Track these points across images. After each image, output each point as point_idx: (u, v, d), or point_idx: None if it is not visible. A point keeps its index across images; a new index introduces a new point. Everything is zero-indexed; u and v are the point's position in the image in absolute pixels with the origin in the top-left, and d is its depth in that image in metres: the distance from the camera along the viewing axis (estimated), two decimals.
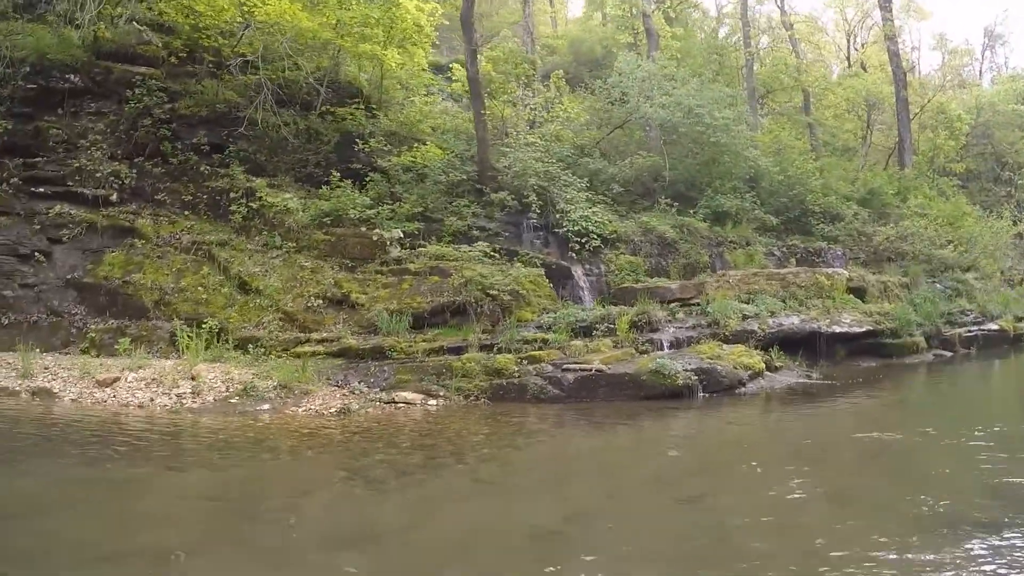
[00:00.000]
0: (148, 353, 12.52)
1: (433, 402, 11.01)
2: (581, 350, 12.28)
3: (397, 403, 10.82)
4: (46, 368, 11.76)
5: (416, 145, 16.48)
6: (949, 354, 17.88)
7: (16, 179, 13.88)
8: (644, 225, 17.47)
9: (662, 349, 13.13)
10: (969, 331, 19.19)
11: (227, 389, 11.12)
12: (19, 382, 11.03)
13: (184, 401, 10.76)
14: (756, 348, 13.97)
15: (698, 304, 15.41)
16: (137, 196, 14.80)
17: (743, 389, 12.30)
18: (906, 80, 27.01)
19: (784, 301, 16.22)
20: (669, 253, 17.47)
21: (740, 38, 25.86)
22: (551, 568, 4.93)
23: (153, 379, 11.39)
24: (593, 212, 16.85)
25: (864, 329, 16.31)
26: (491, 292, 13.40)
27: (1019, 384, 15.82)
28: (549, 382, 11.43)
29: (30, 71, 14.22)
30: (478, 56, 18.18)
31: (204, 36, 15.34)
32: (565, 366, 11.58)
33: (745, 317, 14.87)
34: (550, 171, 17.12)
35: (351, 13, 15.72)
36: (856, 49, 31.47)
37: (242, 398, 10.83)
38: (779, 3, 27.43)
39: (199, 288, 13.68)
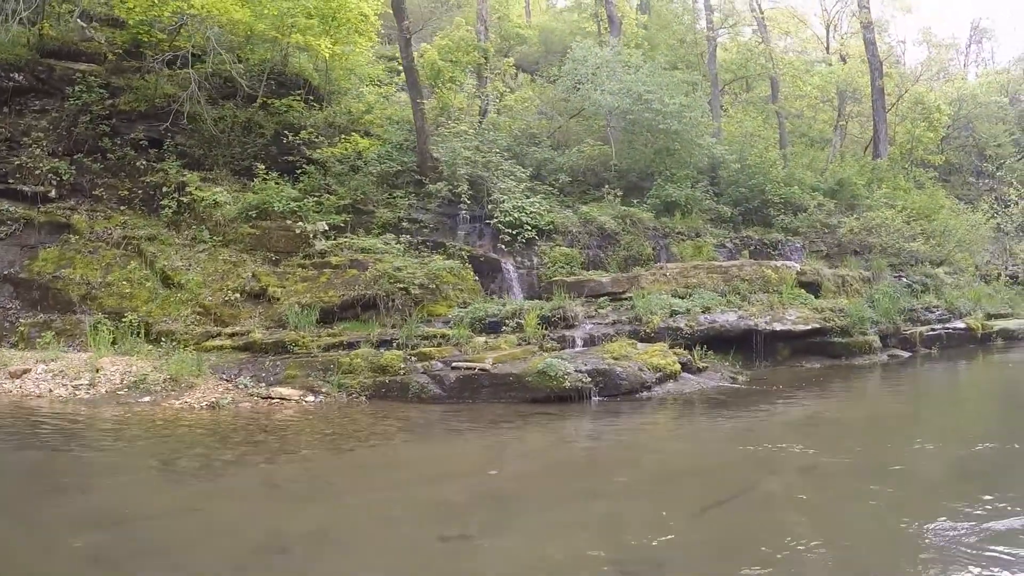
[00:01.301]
0: (68, 347, 13.10)
1: (311, 399, 11.24)
2: (479, 347, 12.13)
3: (273, 399, 11.10)
4: None
5: (344, 137, 16.58)
6: (907, 355, 17.16)
7: None
8: (584, 216, 17.31)
9: (573, 347, 12.85)
10: (932, 330, 18.49)
11: (121, 381, 11.61)
12: None
13: (78, 392, 11.28)
14: (682, 347, 13.60)
15: (629, 299, 15.15)
16: (76, 192, 15.37)
17: (647, 393, 11.62)
18: (882, 69, 26.13)
19: (724, 296, 15.76)
20: (609, 245, 17.22)
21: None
22: None
23: (60, 371, 11.91)
24: (530, 203, 16.80)
25: (810, 327, 15.62)
26: (403, 286, 13.61)
27: (975, 392, 14.24)
28: (433, 381, 11.35)
29: None
30: (421, 44, 18.24)
31: (144, 31, 15.70)
32: (454, 364, 11.46)
33: (674, 313, 14.44)
34: (485, 160, 17.12)
35: (287, 3, 15.89)
36: (835, 40, 30.57)
37: (130, 390, 11.30)
38: None
39: (124, 283, 14.19)
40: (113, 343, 12.74)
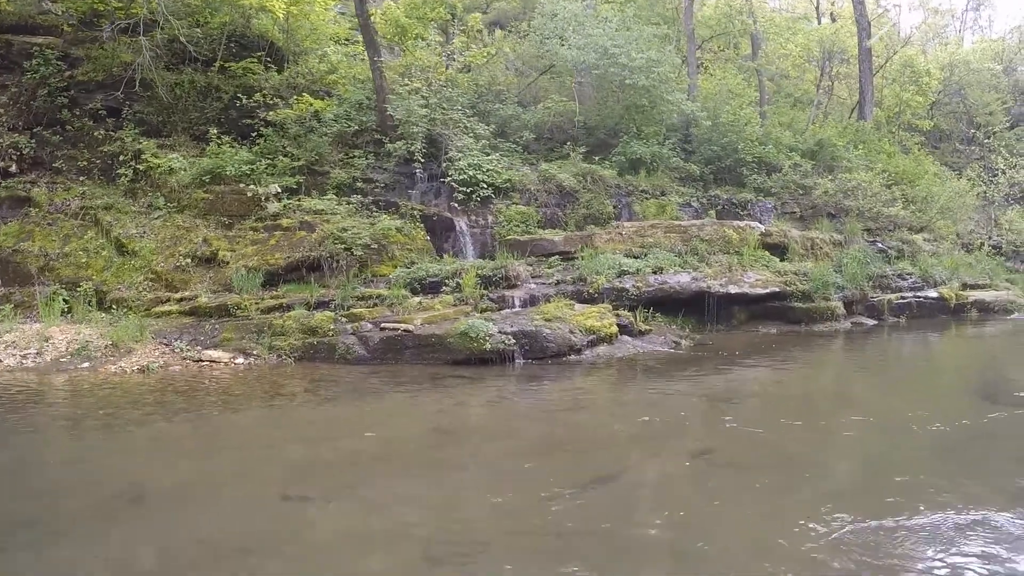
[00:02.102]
0: (25, 318, 13.49)
1: (241, 360, 11.54)
2: (412, 308, 12.23)
3: (203, 361, 11.44)
4: None
5: (298, 98, 16.59)
6: (872, 323, 16.81)
7: None
8: (543, 174, 17.18)
9: (512, 307, 12.83)
10: (902, 298, 18.00)
11: (66, 349, 12.00)
12: None
13: (25, 361, 11.68)
14: (628, 309, 13.50)
15: (581, 258, 15.08)
16: (37, 165, 15.73)
17: (576, 357, 11.52)
18: (870, 29, 25.23)
19: (681, 256, 15.61)
20: (568, 204, 17.03)
21: None
22: None
23: (13, 342, 12.34)
24: (488, 160, 16.70)
25: (768, 291, 15.31)
26: (346, 246, 13.75)
27: (934, 366, 13.19)
28: (359, 342, 11.52)
29: None
30: (384, 2, 18.09)
31: (99, 1, 15.85)
32: (382, 325, 11.60)
33: (623, 273, 14.30)
34: (444, 118, 17.04)
35: None
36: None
37: (72, 357, 11.69)
38: None
39: (81, 252, 14.55)
40: (69, 312, 13.16)
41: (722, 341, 13.77)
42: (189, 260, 14.37)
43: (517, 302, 12.93)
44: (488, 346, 11.05)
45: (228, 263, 14.20)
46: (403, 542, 5.09)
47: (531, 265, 14.48)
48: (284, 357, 11.63)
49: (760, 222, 18.45)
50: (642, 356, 12.16)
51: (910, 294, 18.28)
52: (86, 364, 11.43)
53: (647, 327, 13.24)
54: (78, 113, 15.99)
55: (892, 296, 17.91)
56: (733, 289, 14.85)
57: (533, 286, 13.65)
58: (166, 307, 13.44)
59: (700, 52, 26.32)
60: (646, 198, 18.05)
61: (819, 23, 29.05)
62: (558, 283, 13.83)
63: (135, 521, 5.49)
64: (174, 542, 5.08)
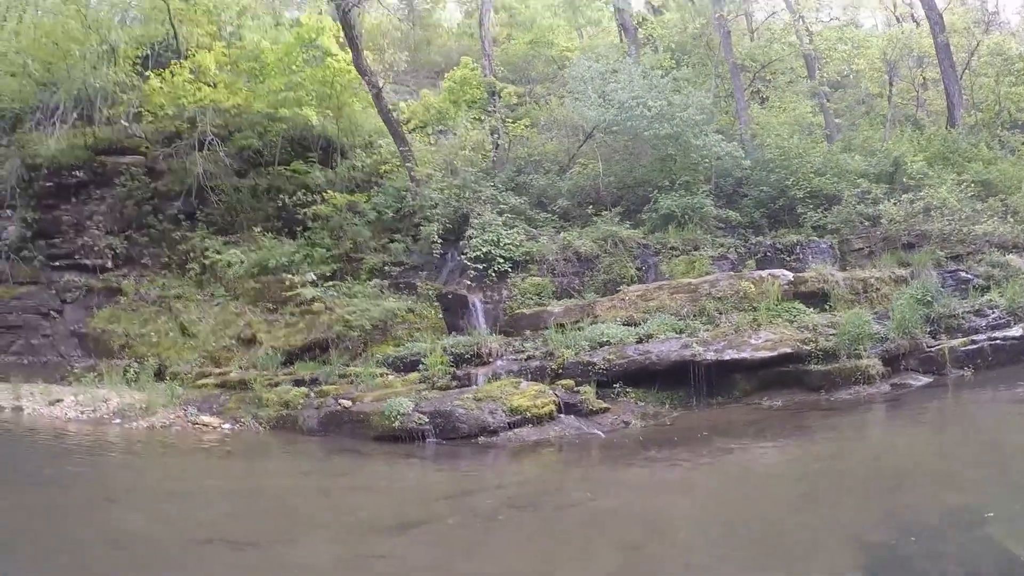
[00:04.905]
0: (100, 385, 16.10)
1: (227, 426, 13.16)
2: (375, 385, 13.23)
3: (199, 424, 13.26)
4: (31, 393, 15.72)
5: (330, 194, 18.51)
6: (924, 381, 13.24)
7: (41, 256, 18.46)
8: (563, 242, 17.57)
9: (476, 384, 12.77)
10: (973, 342, 13.93)
11: (114, 409, 14.34)
12: (7, 400, 15.13)
13: (82, 416, 13.87)
14: (599, 384, 12.80)
15: (581, 328, 14.42)
16: (128, 262, 18.86)
17: (493, 439, 11.21)
18: (943, 22, 22.88)
19: (684, 319, 14.33)
20: (587, 270, 17.08)
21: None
22: None
23: (81, 401, 14.85)
24: (508, 234, 17.33)
25: (777, 353, 13.03)
26: (350, 328, 15.32)
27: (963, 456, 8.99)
28: (314, 415, 12.58)
29: (48, 172, 18.72)
30: (422, 91, 19.85)
31: (171, 123, 18.90)
32: (340, 401, 12.80)
33: (602, 345, 13.48)
34: (472, 196, 18.16)
35: (278, 83, 18.36)
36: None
37: (113, 415, 13.81)
38: None
39: (153, 333, 17.25)
40: (136, 381, 15.58)
41: (700, 419, 12.19)
42: (234, 341, 16.59)
43: (481, 379, 12.92)
44: (396, 424, 11.47)
45: (263, 344, 16.23)
46: None
47: (518, 340, 14.70)
48: (262, 425, 13.18)
49: (809, 265, 16.79)
50: (569, 440, 11.35)
51: (983, 336, 14.12)
52: (118, 420, 13.52)
53: (604, 405, 12.40)
54: (160, 218, 19.03)
55: (958, 342, 14.06)
56: (730, 355, 13.00)
57: (502, 363, 13.52)
58: (207, 380, 15.55)
59: (754, 83, 25.39)
60: (675, 255, 17.13)
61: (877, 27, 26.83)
62: (528, 358, 13.56)
63: None
64: None
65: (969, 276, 16.26)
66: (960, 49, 24.69)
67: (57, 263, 18.58)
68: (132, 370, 15.63)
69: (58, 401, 14.64)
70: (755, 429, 11.33)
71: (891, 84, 25.05)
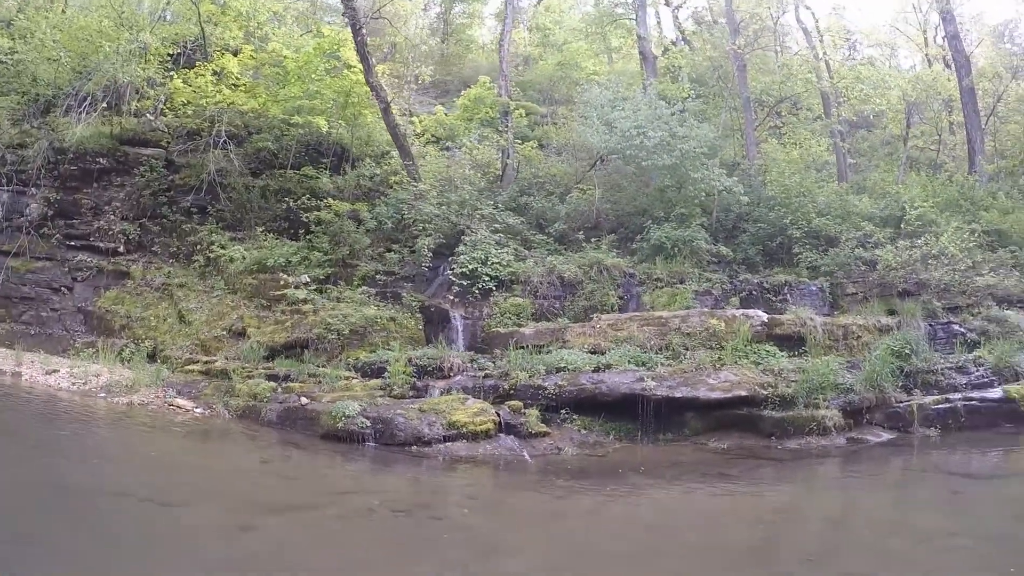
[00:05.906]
0: (95, 360, 17.06)
1: (199, 411, 13.88)
2: (337, 387, 13.96)
3: (174, 406, 14.05)
4: (32, 361, 16.65)
5: (329, 201, 19.27)
6: (886, 436, 13.15)
7: (59, 235, 19.56)
8: (549, 265, 18.10)
9: (430, 395, 13.47)
10: (947, 400, 13.66)
11: (103, 384, 15.20)
12: (9, 366, 16.10)
13: (73, 387, 14.86)
14: (546, 408, 13.16)
15: (550, 351, 14.99)
16: (139, 248, 19.86)
17: (426, 449, 11.66)
18: (970, 66, 22.81)
19: (648, 352, 14.56)
20: (569, 295, 17.60)
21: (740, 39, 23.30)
22: None
23: (75, 374, 15.74)
24: (497, 253, 18.06)
25: (732, 395, 13.06)
26: (330, 331, 16.06)
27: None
28: (275, 409, 13.26)
29: (73, 156, 19.85)
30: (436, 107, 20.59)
31: (192, 120, 19.93)
32: (302, 398, 13.54)
33: (558, 370, 13.84)
34: (470, 213, 18.83)
35: (296, 89, 19.27)
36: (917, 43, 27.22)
37: (100, 389, 14.71)
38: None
39: (152, 318, 18.23)
40: (128, 361, 16.47)
41: (640, 454, 12.29)
42: (225, 332, 17.46)
43: (437, 392, 13.56)
44: (340, 425, 11.99)
45: (250, 337, 17.06)
46: None
47: (485, 358, 15.27)
48: (230, 413, 13.89)
49: (795, 307, 16.80)
50: (498, 459, 11.69)
51: (958, 396, 13.80)
52: (103, 394, 14.44)
53: (544, 429, 12.74)
54: (174, 209, 20.01)
55: (931, 399, 13.77)
56: (683, 392, 13.07)
57: (460, 378, 14.12)
58: (194, 366, 16.39)
59: (770, 118, 25.53)
60: (659, 287, 17.64)
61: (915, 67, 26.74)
62: (486, 376, 14.00)
63: None
64: None
65: (962, 330, 16.03)
66: (988, 94, 24.69)
67: (73, 243, 19.66)
68: (128, 350, 16.56)
69: (54, 371, 15.69)
70: (680, 470, 11.32)
71: (908, 126, 24.92)
